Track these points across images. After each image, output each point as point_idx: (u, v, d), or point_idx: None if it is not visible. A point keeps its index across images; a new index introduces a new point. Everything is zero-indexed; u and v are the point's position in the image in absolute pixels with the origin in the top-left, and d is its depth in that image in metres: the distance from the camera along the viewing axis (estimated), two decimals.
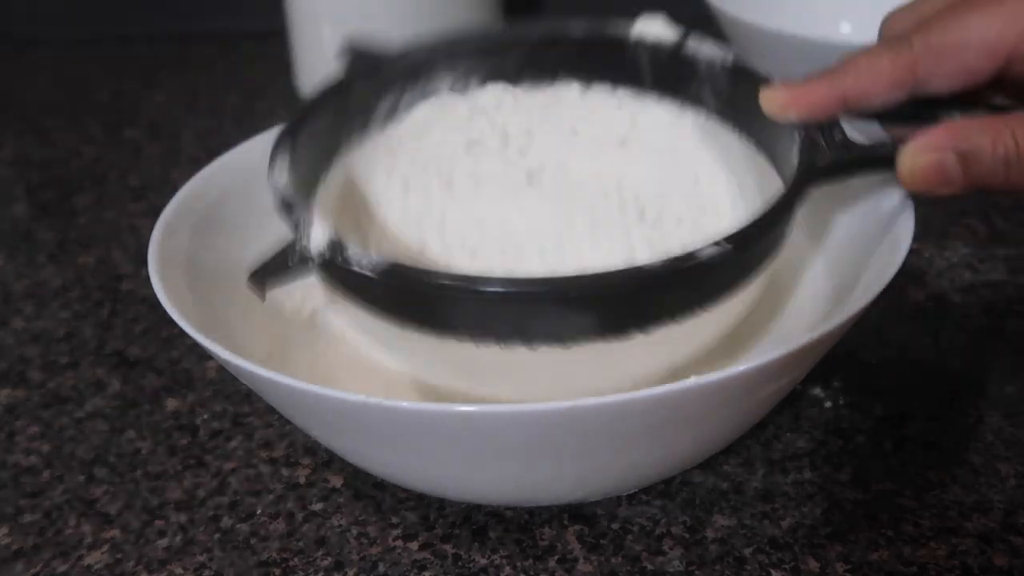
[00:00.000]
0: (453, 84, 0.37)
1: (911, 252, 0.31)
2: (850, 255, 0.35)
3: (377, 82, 0.37)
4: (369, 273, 0.28)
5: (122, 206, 0.55)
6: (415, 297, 0.29)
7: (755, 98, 0.32)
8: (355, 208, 0.37)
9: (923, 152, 0.29)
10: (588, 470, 0.30)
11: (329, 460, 0.36)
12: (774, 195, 0.30)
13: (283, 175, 0.31)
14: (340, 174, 0.36)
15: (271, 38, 0.67)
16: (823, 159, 0.31)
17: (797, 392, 0.37)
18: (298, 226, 0.29)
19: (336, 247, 0.28)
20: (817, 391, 0.38)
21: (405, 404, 0.26)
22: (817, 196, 0.38)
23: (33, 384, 0.42)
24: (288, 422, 0.37)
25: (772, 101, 0.32)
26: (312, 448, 0.37)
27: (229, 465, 0.36)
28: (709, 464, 0.35)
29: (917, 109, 0.31)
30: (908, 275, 0.44)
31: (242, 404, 0.39)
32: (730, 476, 0.34)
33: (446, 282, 0.28)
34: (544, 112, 0.38)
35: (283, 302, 0.39)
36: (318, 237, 0.29)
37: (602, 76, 0.37)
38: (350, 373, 0.37)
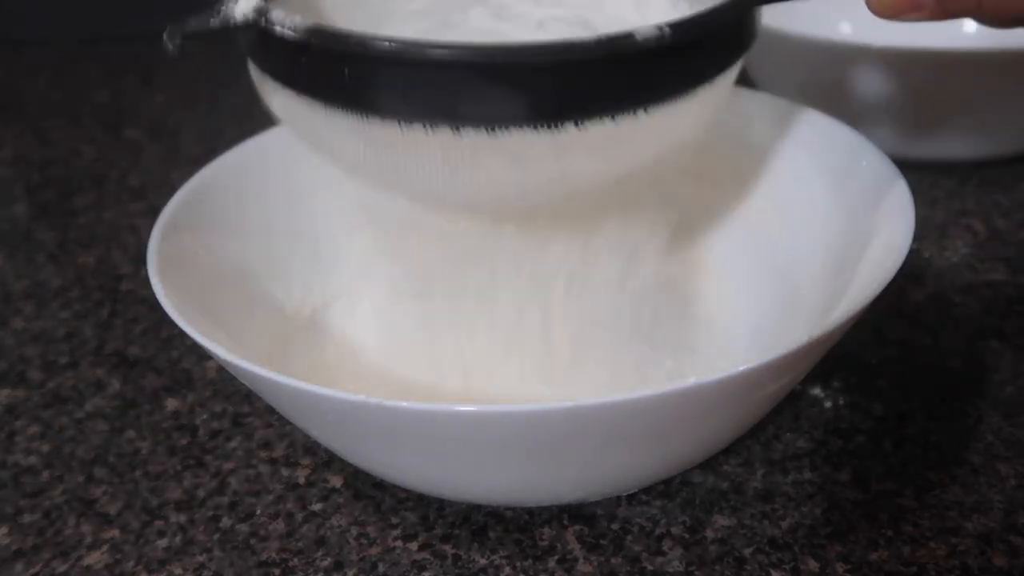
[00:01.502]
0: None
1: (911, 252, 0.31)
2: (850, 255, 0.35)
3: None
4: (292, 35, 0.27)
5: (122, 206, 0.55)
6: (338, 65, 0.27)
7: None
8: None
9: None
10: (588, 470, 0.30)
11: (329, 460, 0.36)
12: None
13: None
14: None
15: None
16: None
17: (797, 392, 0.37)
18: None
19: (261, 11, 0.27)
20: (817, 391, 0.38)
21: (405, 404, 0.26)
22: (817, 196, 0.38)
23: (33, 384, 0.42)
24: (288, 422, 0.37)
25: None
26: (312, 448, 0.37)
27: (229, 465, 0.36)
28: (709, 464, 0.35)
29: None
30: (908, 275, 0.44)
31: (242, 404, 0.39)
32: (730, 476, 0.34)
33: (372, 42, 0.26)
34: None
35: (283, 302, 0.39)
36: (246, 3, 0.28)
37: None
38: (350, 373, 0.37)
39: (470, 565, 0.32)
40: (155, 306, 0.31)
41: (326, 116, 0.28)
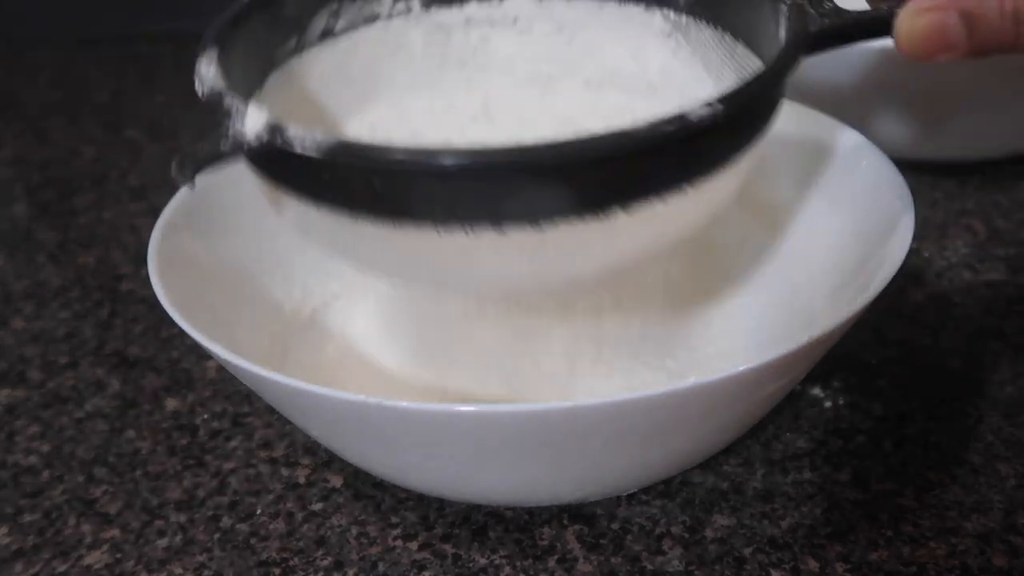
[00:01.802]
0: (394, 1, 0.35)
1: (911, 252, 0.31)
2: (849, 255, 0.35)
3: None
4: (314, 153, 0.25)
5: (122, 206, 0.55)
6: (367, 178, 0.25)
7: None
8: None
9: (923, 12, 0.26)
10: (588, 470, 0.30)
11: (329, 460, 0.36)
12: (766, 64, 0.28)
13: (211, 68, 0.28)
14: (281, 89, 0.33)
15: None
16: (813, 25, 0.29)
17: (797, 392, 0.37)
18: (230, 112, 0.26)
19: (275, 129, 0.25)
20: (817, 391, 0.38)
21: (405, 404, 0.26)
22: (817, 196, 0.38)
23: (33, 384, 0.42)
24: (288, 422, 0.37)
25: None
26: (312, 448, 0.37)
27: (229, 465, 0.36)
28: (709, 464, 0.35)
29: None
30: (908, 275, 0.44)
31: (242, 404, 0.39)
32: (730, 476, 0.34)
33: (403, 156, 0.25)
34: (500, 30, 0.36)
35: (283, 302, 0.39)
36: (255, 120, 0.26)
37: None
38: (350, 373, 0.37)
39: (470, 565, 0.32)
40: (155, 306, 0.31)
41: (352, 227, 0.27)
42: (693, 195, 0.27)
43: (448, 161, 0.24)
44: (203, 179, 0.37)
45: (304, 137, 0.25)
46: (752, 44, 0.31)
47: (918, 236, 0.32)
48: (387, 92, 0.36)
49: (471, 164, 0.24)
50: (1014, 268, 0.44)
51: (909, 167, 0.35)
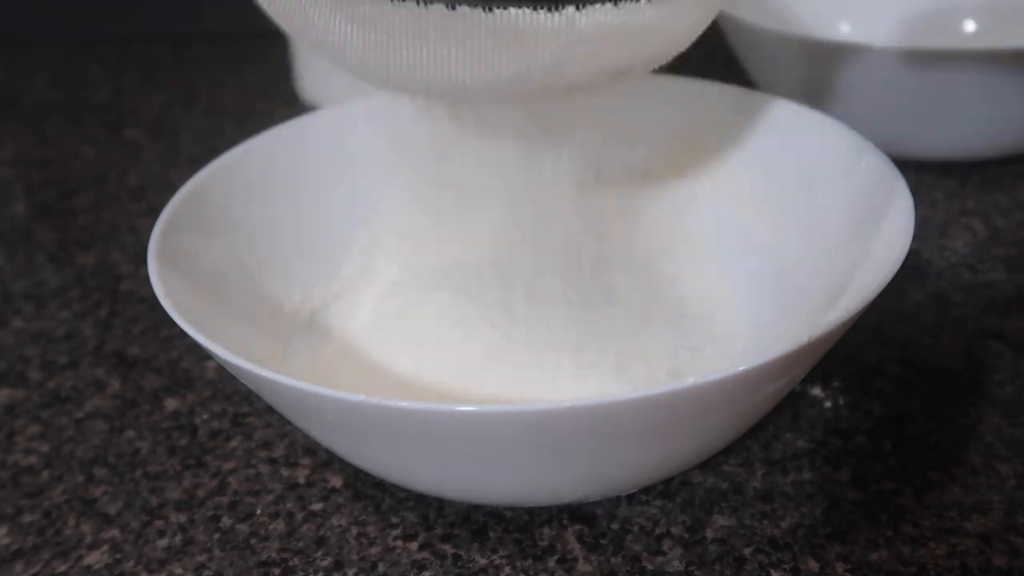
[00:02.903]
0: None
1: (911, 252, 0.31)
2: (849, 255, 0.35)
3: None
4: None
5: (122, 206, 0.55)
6: None
7: None
8: None
9: None
10: (588, 470, 0.30)
11: (329, 460, 0.36)
12: None
13: None
14: None
15: (271, 38, 0.67)
16: None
17: (797, 392, 0.37)
18: None
19: None
20: (817, 391, 0.38)
21: (405, 404, 0.26)
22: (817, 196, 0.38)
23: (32, 384, 0.42)
24: (288, 422, 0.37)
25: None
26: (312, 448, 0.37)
27: (229, 465, 0.36)
28: (709, 464, 0.35)
29: None
30: (908, 275, 0.44)
31: (242, 404, 0.39)
32: (730, 476, 0.34)
33: None
34: None
35: (283, 302, 0.39)
36: None
37: None
38: (350, 373, 0.37)
39: (470, 565, 0.32)
40: (155, 306, 0.31)
41: None
42: (648, 12, 0.27)
43: None
44: (203, 179, 0.38)
45: None
46: None
47: (918, 236, 0.32)
48: None
49: None
50: (1014, 268, 0.44)
51: (909, 167, 0.35)
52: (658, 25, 0.28)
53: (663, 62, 0.31)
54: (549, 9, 0.26)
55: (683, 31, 0.30)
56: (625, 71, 0.30)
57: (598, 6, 0.26)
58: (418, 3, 0.26)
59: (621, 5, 0.26)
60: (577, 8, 0.26)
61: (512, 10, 0.26)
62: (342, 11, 0.27)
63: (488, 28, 0.26)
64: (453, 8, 0.26)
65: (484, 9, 0.26)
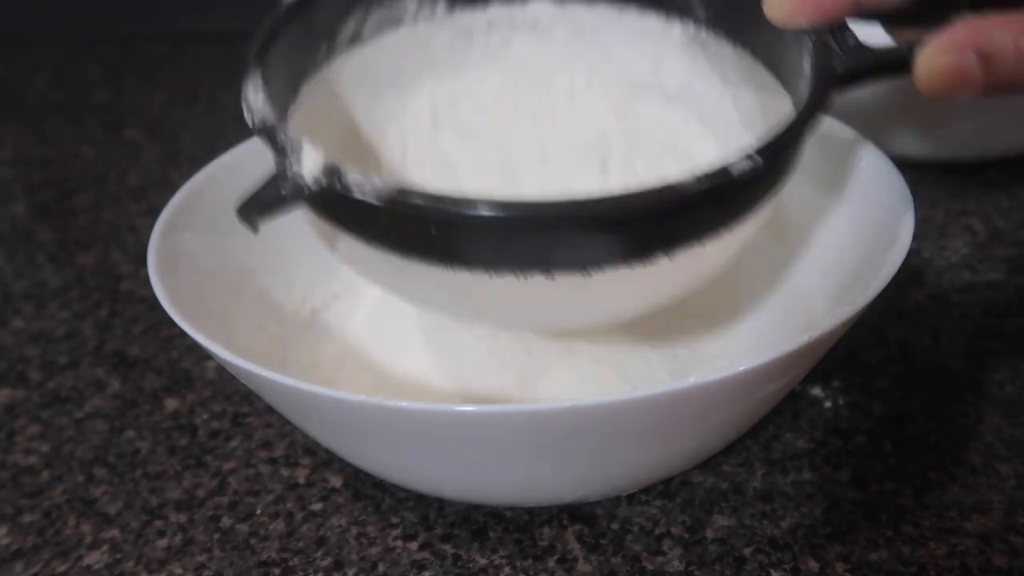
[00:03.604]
0: (420, 2, 0.36)
1: (911, 252, 0.31)
2: (849, 255, 0.35)
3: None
4: (373, 200, 0.25)
5: (122, 206, 0.55)
6: (424, 225, 0.26)
7: (750, 4, 0.30)
8: (340, 136, 0.36)
9: (942, 53, 0.27)
10: (588, 470, 0.30)
11: (329, 460, 0.36)
12: (795, 108, 0.29)
13: (258, 95, 0.28)
14: (315, 98, 0.34)
15: None
16: (839, 64, 0.29)
17: (797, 392, 0.37)
18: (285, 151, 0.27)
19: (333, 172, 0.26)
20: (817, 391, 0.38)
21: (405, 404, 0.26)
22: (817, 196, 0.38)
23: (33, 384, 0.42)
24: (288, 422, 0.37)
25: (779, 6, 0.30)
26: (312, 448, 0.37)
27: (229, 465, 0.36)
28: (709, 464, 0.35)
29: (924, 11, 0.29)
30: (908, 275, 0.44)
31: (242, 404, 0.39)
32: (730, 476, 0.34)
33: (459, 207, 0.25)
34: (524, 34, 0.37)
35: (283, 302, 0.39)
36: (311, 162, 0.26)
37: None
38: (350, 373, 0.37)
39: (470, 565, 0.32)
40: (155, 306, 0.31)
41: (406, 266, 0.27)
42: (729, 237, 0.28)
43: (503, 213, 0.25)
44: (203, 179, 0.38)
45: (363, 183, 0.25)
46: (772, 67, 0.32)
47: (918, 236, 0.32)
48: (414, 91, 0.37)
49: (524, 217, 0.25)
50: (1014, 268, 0.44)
51: (909, 167, 0.35)
52: (738, 240, 0.29)
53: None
54: (641, 261, 0.27)
55: (757, 231, 0.31)
56: (707, 282, 0.32)
57: (685, 248, 0.27)
58: (515, 276, 0.27)
59: (706, 241, 0.28)
60: (666, 254, 0.27)
61: (607, 270, 0.27)
62: (439, 283, 0.28)
63: (585, 287, 0.27)
64: (552, 276, 0.27)
65: (581, 274, 0.27)
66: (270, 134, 0.27)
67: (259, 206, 0.27)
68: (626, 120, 0.37)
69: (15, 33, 0.78)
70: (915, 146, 0.50)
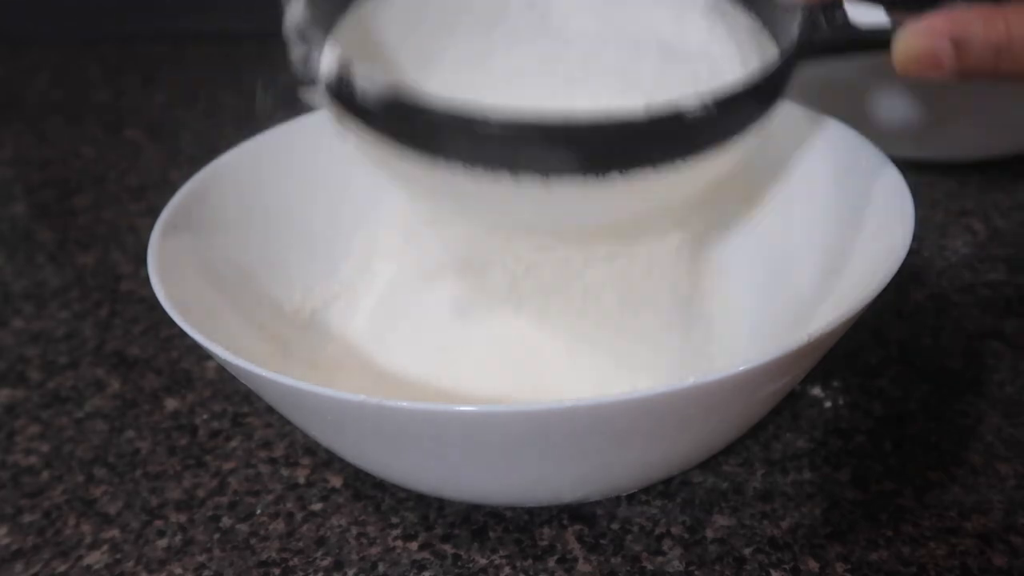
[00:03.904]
0: None
1: (911, 252, 0.31)
2: (849, 255, 0.35)
3: None
4: (371, 103, 0.29)
5: (122, 206, 0.55)
6: (414, 126, 0.30)
7: None
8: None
9: (920, 36, 0.29)
10: (588, 470, 0.30)
11: (329, 460, 0.36)
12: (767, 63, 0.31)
13: (300, 7, 0.32)
14: (352, 31, 0.36)
15: (271, 38, 0.67)
16: (821, 36, 0.32)
17: (797, 392, 0.37)
18: (310, 48, 0.31)
19: (344, 77, 0.30)
20: (817, 391, 0.38)
21: (405, 404, 0.26)
22: (817, 196, 0.38)
23: (33, 384, 0.42)
24: (288, 422, 0.37)
25: None
26: (312, 448, 0.37)
27: (229, 465, 0.36)
28: (709, 464, 0.35)
29: None
30: (908, 275, 0.44)
31: (242, 404, 0.39)
32: (730, 476, 0.34)
33: (445, 115, 0.29)
34: None
35: (283, 302, 0.39)
36: (328, 67, 0.30)
37: None
38: (350, 373, 0.37)
39: (470, 565, 0.32)
40: (155, 306, 0.31)
41: (399, 153, 0.30)
42: (685, 169, 0.30)
43: (479, 126, 0.29)
44: (202, 179, 0.38)
45: (367, 86, 0.29)
46: (773, 36, 0.34)
47: (918, 236, 0.32)
48: (450, 37, 0.39)
49: (498, 129, 0.29)
50: (1014, 268, 0.44)
51: (909, 167, 0.35)
52: (695, 175, 0.31)
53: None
54: (597, 177, 0.30)
55: (720, 173, 0.33)
56: (664, 210, 0.35)
57: (639, 171, 0.30)
58: (487, 177, 0.30)
59: (660, 168, 0.30)
60: (621, 173, 0.30)
61: (566, 180, 0.30)
62: (429, 173, 0.31)
63: (546, 192, 0.30)
64: (517, 180, 0.30)
65: (543, 180, 0.30)
66: (301, 34, 0.32)
67: (279, 87, 0.32)
68: (647, 82, 0.39)
69: (15, 33, 0.78)
70: (915, 146, 0.50)
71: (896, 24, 0.30)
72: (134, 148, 0.62)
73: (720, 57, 0.37)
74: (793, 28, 0.32)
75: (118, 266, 0.49)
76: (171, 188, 0.37)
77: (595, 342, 0.37)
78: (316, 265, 0.40)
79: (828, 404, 0.37)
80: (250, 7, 0.72)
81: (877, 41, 0.31)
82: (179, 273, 0.34)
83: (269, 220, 0.39)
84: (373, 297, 0.40)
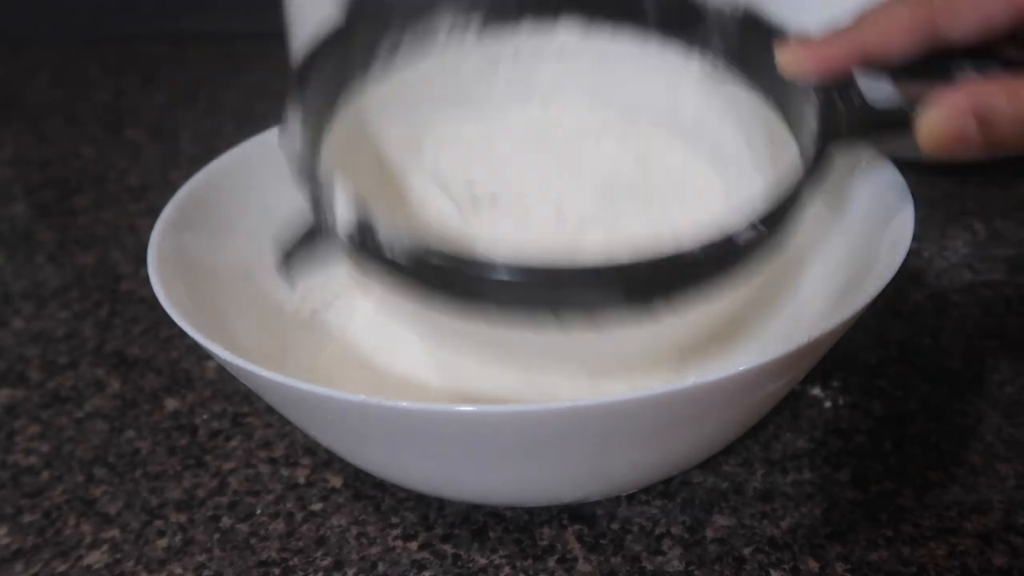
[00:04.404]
0: (452, 24, 0.36)
1: (911, 252, 0.31)
2: (849, 255, 0.35)
3: (377, 23, 0.35)
4: (401, 259, 0.28)
5: (122, 206, 0.55)
6: (448, 283, 0.28)
7: (767, 50, 0.31)
8: (367, 163, 0.37)
9: (943, 116, 0.29)
10: (588, 470, 0.30)
11: (329, 460, 0.36)
12: (797, 167, 0.30)
13: (297, 138, 0.30)
14: (346, 125, 0.35)
15: (271, 38, 0.67)
16: (843, 123, 0.30)
17: (797, 392, 0.37)
18: (321, 202, 0.29)
19: (366, 228, 0.28)
20: (817, 391, 0.38)
21: (405, 404, 0.26)
22: (817, 196, 0.38)
23: (33, 384, 0.42)
24: (288, 422, 0.37)
25: (789, 59, 0.31)
26: (312, 448, 0.37)
27: (229, 465, 0.36)
28: (709, 464, 0.35)
29: (929, 64, 0.30)
30: (908, 275, 0.44)
31: (241, 404, 0.39)
32: (730, 476, 0.34)
33: (479, 270, 0.27)
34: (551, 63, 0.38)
35: (283, 302, 0.39)
36: (344, 215, 0.28)
37: (605, 16, 0.36)
38: (350, 373, 0.37)
39: (470, 565, 0.32)
40: (155, 306, 0.31)
41: (431, 303, 0.29)
42: (730, 286, 0.29)
43: (518, 276, 0.27)
44: (203, 179, 0.38)
45: (392, 241, 0.27)
46: (782, 113, 0.33)
47: (918, 236, 0.32)
48: (441, 118, 0.38)
49: (538, 280, 0.27)
50: (1014, 268, 0.44)
51: (909, 167, 0.35)
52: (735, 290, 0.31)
53: None
54: (641, 308, 0.29)
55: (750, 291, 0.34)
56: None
57: (689, 303, 0.29)
58: (533, 330, 0.29)
59: (708, 293, 0.29)
60: (666, 304, 0.29)
61: (610, 315, 0.29)
62: (465, 326, 0.31)
63: (588, 325, 0.29)
64: (560, 321, 0.28)
65: (593, 326, 0.28)
66: (309, 183, 0.29)
67: (297, 260, 0.30)
68: (640, 161, 0.39)
69: (15, 33, 0.78)
70: (915, 146, 0.50)
71: (912, 102, 0.29)
72: (134, 148, 0.62)
73: (718, 133, 0.36)
74: (809, 113, 0.30)
75: (118, 266, 0.49)
76: (171, 188, 0.37)
77: (595, 343, 0.37)
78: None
79: (828, 404, 0.37)
80: (250, 7, 0.72)
81: (898, 122, 0.30)
82: (179, 273, 0.34)
83: (269, 220, 0.39)
84: (373, 297, 0.40)
